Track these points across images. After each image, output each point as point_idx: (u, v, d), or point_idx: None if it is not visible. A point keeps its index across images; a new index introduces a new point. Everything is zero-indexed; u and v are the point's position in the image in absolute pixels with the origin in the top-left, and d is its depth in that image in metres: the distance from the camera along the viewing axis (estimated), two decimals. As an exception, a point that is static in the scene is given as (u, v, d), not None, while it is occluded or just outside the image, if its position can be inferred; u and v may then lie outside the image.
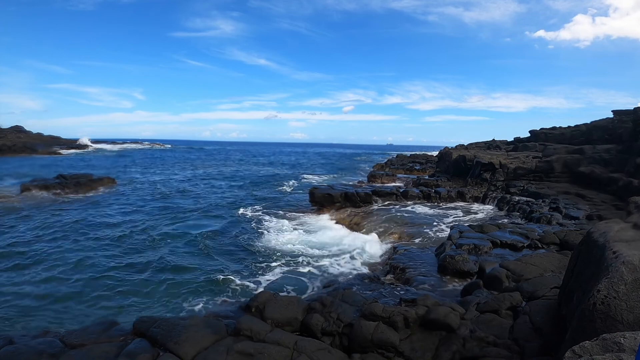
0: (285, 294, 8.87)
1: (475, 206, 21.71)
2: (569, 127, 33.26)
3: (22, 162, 47.44)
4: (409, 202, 21.89)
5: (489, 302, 6.46)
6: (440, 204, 21.78)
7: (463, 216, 19.18)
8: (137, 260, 12.18)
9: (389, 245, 13.15)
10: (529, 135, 36.86)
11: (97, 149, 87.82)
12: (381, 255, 12.35)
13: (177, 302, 9.08)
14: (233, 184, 34.71)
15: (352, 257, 12.20)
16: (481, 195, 22.30)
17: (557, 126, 34.66)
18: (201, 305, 8.69)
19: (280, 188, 32.19)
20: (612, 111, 28.42)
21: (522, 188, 21.33)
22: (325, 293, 7.57)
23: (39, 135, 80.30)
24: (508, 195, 20.63)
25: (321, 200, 21.20)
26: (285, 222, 18.21)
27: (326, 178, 41.40)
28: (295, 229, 16.72)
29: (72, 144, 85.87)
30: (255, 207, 22.20)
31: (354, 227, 16.93)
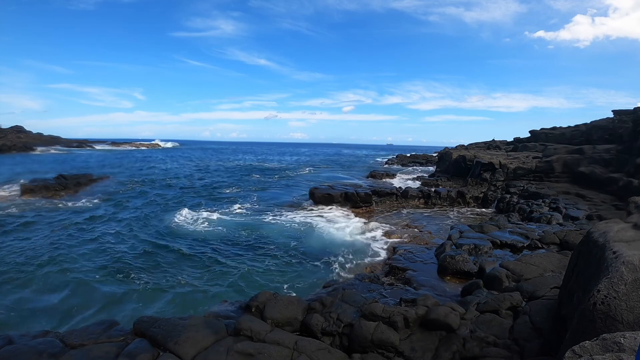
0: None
1: (475, 206, 21.74)
2: (569, 127, 33.31)
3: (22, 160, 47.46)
4: (408, 202, 21.91)
5: (489, 302, 6.46)
6: (440, 204, 21.80)
7: (463, 215, 19.20)
8: (137, 258, 12.18)
9: (389, 245, 13.15)
10: (529, 135, 36.92)
11: (99, 149, 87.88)
12: (381, 255, 12.34)
13: (176, 301, 9.09)
14: (240, 175, 35.35)
15: (352, 257, 12.18)
16: (481, 195, 22.32)
17: (557, 126, 34.73)
18: (201, 304, 8.72)
19: (284, 183, 32.46)
20: (612, 111, 28.50)
21: (522, 188, 21.34)
22: (325, 293, 7.56)
23: (39, 135, 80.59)
24: (508, 195, 20.65)
25: (321, 200, 21.23)
26: (284, 217, 18.24)
27: (327, 174, 41.80)
28: (294, 223, 16.72)
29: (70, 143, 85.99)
30: (254, 201, 22.26)
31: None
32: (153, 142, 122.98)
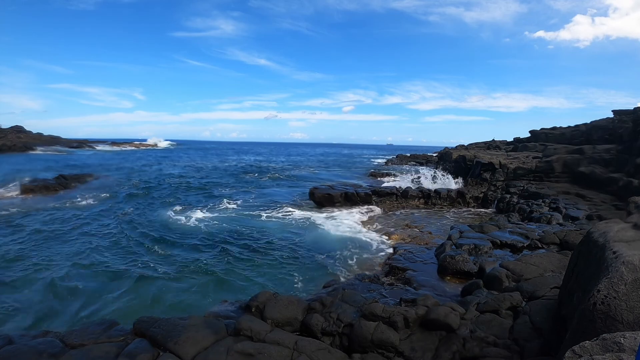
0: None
1: (475, 206, 21.74)
2: (569, 127, 33.29)
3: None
4: (408, 202, 21.91)
5: (489, 302, 6.46)
6: (440, 204, 21.80)
7: (462, 215, 19.20)
8: (134, 257, 12.18)
9: (389, 245, 13.16)
10: (529, 135, 36.90)
11: (99, 149, 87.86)
12: (381, 255, 12.34)
13: (176, 299, 9.10)
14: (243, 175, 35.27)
15: (351, 257, 12.19)
16: (481, 195, 22.33)
17: (557, 126, 34.71)
18: (201, 304, 8.73)
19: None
20: (612, 111, 28.48)
21: (522, 188, 21.34)
22: (325, 293, 7.56)
23: (39, 135, 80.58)
24: (508, 195, 20.65)
25: (321, 200, 21.24)
26: (284, 216, 18.27)
27: (327, 174, 41.85)
28: (294, 223, 16.73)
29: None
30: (253, 200, 22.29)
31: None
32: (146, 141, 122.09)
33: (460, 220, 17.54)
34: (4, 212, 18.13)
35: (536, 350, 4.94)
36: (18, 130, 75.12)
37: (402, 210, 20.24)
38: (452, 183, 25.79)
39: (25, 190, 22.99)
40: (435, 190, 22.84)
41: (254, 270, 11.26)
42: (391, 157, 71.98)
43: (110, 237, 14.70)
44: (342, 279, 10.02)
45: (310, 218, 18.14)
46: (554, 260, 8.32)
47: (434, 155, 58.48)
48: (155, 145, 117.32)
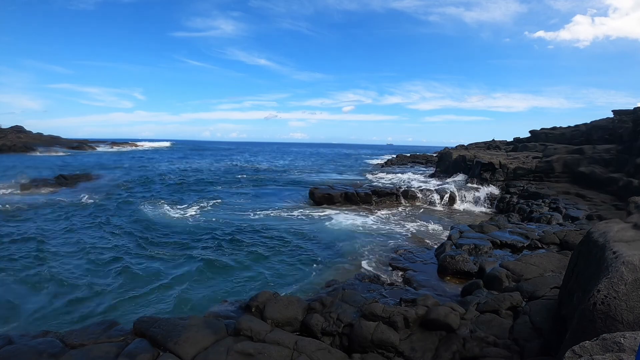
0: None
1: (475, 206, 21.72)
2: (569, 127, 33.26)
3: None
4: (409, 202, 21.92)
5: (489, 302, 6.46)
6: (440, 204, 21.79)
7: (463, 215, 19.20)
8: (132, 256, 12.18)
9: (389, 244, 13.15)
10: (529, 135, 36.87)
11: (100, 150, 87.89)
12: (380, 255, 12.34)
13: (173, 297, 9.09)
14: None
15: (351, 256, 12.18)
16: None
17: (557, 126, 34.68)
18: (201, 304, 8.73)
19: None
20: (612, 111, 28.47)
21: (522, 188, 21.34)
22: (325, 293, 7.56)
23: (39, 135, 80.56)
24: (508, 196, 20.65)
25: (321, 200, 21.26)
26: (283, 216, 18.27)
27: (327, 174, 41.86)
28: (294, 222, 16.74)
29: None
30: (252, 200, 22.30)
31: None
32: (146, 142, 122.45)
33: (460, 221, 17.54)
34: (3, 211, 18.13)
35: (536, 350, 4.94)
36: (18, 130, 75.14)
37: (401, 210, 20.24)
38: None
39: (25, 188, 23.00)
40: (435, 190, 22.84)
41: (253, 269, 11.25)
42: (391, 157, 71.98)
43: (108, 235, 14.69)
44: (342, 279, 10.01)
45: (310, 217, 18.14)
46: (554, 260, 8.32)
47: (434, 155, 58.49)
48: (154, 145, 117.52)
